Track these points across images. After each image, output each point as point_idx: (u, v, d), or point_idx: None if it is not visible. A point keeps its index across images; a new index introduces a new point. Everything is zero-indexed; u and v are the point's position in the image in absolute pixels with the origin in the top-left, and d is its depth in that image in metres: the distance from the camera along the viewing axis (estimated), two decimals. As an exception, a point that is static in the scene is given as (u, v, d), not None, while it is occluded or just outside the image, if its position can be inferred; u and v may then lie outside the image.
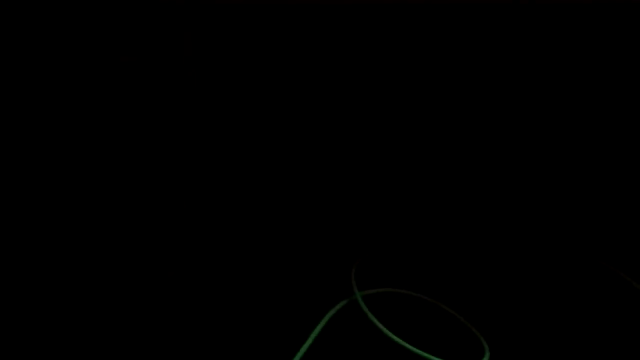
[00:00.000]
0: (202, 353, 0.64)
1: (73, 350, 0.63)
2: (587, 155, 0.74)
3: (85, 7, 0.67)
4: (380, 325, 0.63)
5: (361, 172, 0.75)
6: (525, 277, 0.71)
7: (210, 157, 0.73)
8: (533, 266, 0.72)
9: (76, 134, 0.72)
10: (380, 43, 0.71)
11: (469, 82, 0.72)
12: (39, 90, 0.70)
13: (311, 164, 0.74)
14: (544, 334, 0.65)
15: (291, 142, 0.74)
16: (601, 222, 0.75)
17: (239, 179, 0.75)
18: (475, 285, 0.70)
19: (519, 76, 0.72)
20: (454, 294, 0.68)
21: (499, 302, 0.68)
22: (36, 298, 0.69)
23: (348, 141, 0.74)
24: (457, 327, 0.66)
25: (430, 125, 0.74)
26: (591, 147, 0.74)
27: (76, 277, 0.71)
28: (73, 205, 0.73)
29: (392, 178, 0.75)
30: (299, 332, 0.64)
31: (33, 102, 0.70)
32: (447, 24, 0.71)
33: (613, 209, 0.75)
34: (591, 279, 0.70)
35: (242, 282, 0.71)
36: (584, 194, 0.75)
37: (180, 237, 0.74)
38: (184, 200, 0.73)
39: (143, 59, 0.68)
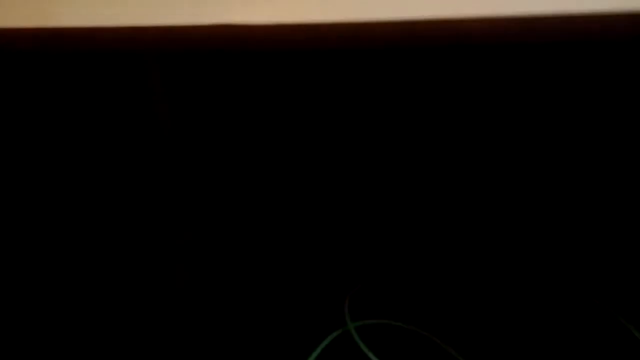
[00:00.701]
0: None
1: (73, 350, 0.64)
2: (588, 192, 0.75)
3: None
4: (373, 357, 0.64)
5: (358, 203, 0.76)
6: (522, 312, 0.71)
7: (192, 196, 0.74)
8: (530, 302, 0.72)
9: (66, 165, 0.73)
10: (377, 54, 0.72)
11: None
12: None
13: (306, 192, 0.75)
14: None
15: (285, 166, 0.75)
16: (606, 264, 0.75)
17: (238, 205, 0.76)
18: (469, 319, 0.70)
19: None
20: (448, 327, 0.69)
21: (492, 337, 0.68)
22: (36, 298, 0.69)
23: (345, 169, 0.75)
24: (449, 361, 0.66)
25: (424, 152, 0.75)
26: (592, 176, 0.75)
27: (77, 278, 0.71)
28: (69, 212, 0.73)
29: (388, 209, 0.76)
30: (291, 361, 0.64)
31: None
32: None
33: (618, 252, 0.75)
34: (591, 321, 0.70)
35: (235, 311, 0.71)
36: (588, 235, 0.75)
37: (182, 258, 0.74)
38: (184, 230, 0.74)
39: (114, 107, 0.70)
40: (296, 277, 0.74)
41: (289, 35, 0.47)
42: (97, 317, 0.68)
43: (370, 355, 0.64)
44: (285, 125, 0.74)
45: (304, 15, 0.44)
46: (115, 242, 0.74)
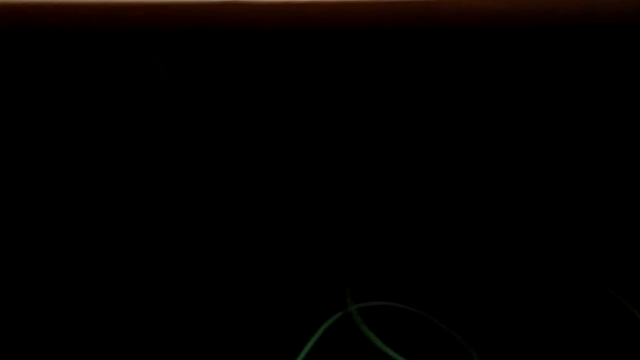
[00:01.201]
0: (196, 364, 0.64)
1: (73, 351, 0.63)
2: (586, 174, 0.75)
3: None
4: (374, 338, 0.64)
5: (357, 185, 0.75)
6: (521, 293, 0.71)
7: (196, 183, 0.74)
8: (530, 283, 0.72)
9: (58, 153, 0.72)
10: (379, 50, 0.72)
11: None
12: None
13: (307, 176, 0.75)
14: (536, 350, 0.65)
15: (286, 152, 0.74)
16: (601, 240, 0.75)
17: (234, 192, 0.75)
18: (470, 300, 0.70)
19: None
20: (449, 308, 0.69)
21: (494, 318, 0.68)
22: (37, 298, 0.68)
23: (344, 153, 0.75)
24: (450, 342, 0.66)
25: (426, 136, 0.74)
26: (591, 162, 0.75)
27: (76, 278, 0.70)
28: (63, 207, 0.72)
29: (389, 192, 0.76)
30: (292, 344, 0.64)
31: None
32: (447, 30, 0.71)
33: (614, 229, 0.75)
34: (587, 298, 0.71)
35: (235, 293, 0.71)
36: (583, 211, 0.76)
37: (179, 248, 0.73)
38: (180, 217, 0.73)
39: (115, 87, 0.69)
40: (297, 260, 0.74)
41: (300, 14, 0.46)
42: (89, 313, 0.67)
43: (372, 337, 0.64)
44: (288, 110, 0.73)
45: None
46: (109, 236, 0.73)
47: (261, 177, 0.75)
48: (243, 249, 0.75)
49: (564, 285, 0.72)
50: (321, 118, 0.74)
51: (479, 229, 0.76)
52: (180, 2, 0.46)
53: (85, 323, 0.66)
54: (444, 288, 0.72)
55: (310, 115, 0.73)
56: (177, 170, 0.73)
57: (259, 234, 0.75)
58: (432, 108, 0.74)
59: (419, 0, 0.44)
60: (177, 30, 0.55)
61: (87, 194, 0.73)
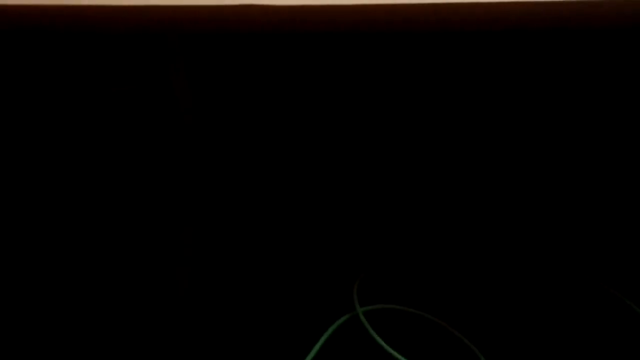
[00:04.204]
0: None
1: (73, 351, 0.63)
2: (592, 173, 0.75)
3: (80, 43, 0.69)
4: (381, 341, 0.64)
5: (365, 189, 0.76)
6: (528, 296, 0.71)
7: (208, 181, 0.74)
8: (536, 285, 0.73)
9: (73, 154, 0.72)
10: (379, 52, 0.73)
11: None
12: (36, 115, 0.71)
13: (315, 178, 0.75)
14: (541, 352, 0.66)
15: (294, 154, 0.75)
16: (605, 244, 0.75)
17: (244, 195, 0.76)
18: (477, 303, 0.71)
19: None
20: (455, 311, 0.69)
21: (500, 321, 0.69)
22: (37, 298, 0.69)
23: (351, 160, 0.76)
24: (457, 345, 0.67)
25: (433, 143, 0.75)
26: (597, 163, 0.75)
27: (78, 278, 0.71)
28: (74, 208, 0.73)
29: (395, 196, 0.76)
30: (300, 345, 0.64)
31: (29, 125, 0.72)
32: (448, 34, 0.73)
33: (616, 230, 0.75)
34: (591, 299, 0.71)
35: (244, 295, 0.71)
36: (588, 214, 0.76)
37: (189, 251, 0.74)
38: (186, 220, 0.74)
39: (134, 88, 0.70)
40: (305, 263, 0.75)
41: (314, 17, 0.48)
42: (96, 315, 0.67)
43: (378, 339, 0.64)
44: (303, 115, 0.74)
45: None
46: (116, 239, 0.73)
47: (272, 182, 0.76)
48: (253, 252, 0.75)
49: (568, 285, 0.72)
50: (335, 125, 0.75)
51: (485, 232, 0.76)
52: (197, 4, 0.48)
53: (88, 323, 0.66)
54: (450, 291, 0.72)
55: (325, 122, 0.74)
56: (189, 170, 0.74)
57: (269, 237, 0.76)
58: (436, 112, 0.75)
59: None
60: (196, 33, 0.57)
61: (98, 195, 0.73)
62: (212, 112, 0.74)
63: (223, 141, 0.75)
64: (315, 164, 0.76)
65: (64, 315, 0.68)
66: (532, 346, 0.66)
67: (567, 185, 0.76)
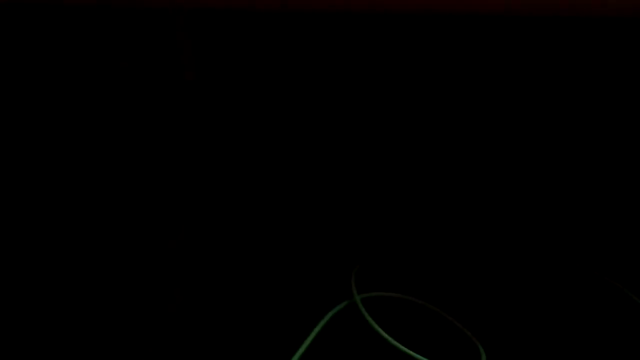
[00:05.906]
0: (201, 353, 0.64)
1: (73, 351, 0.62)
2: (591, 163, 0.75)
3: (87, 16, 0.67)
4: (378, 328, 0.64)
5: (364, 175, 0.75)
6: (526, 285, 0.72)
7: (210, 161, 0.73)
8: (535, 275, 0.73)
9: (76, 136, 0.71)
10: (380, 47, 0.72)
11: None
12: (40, 93, 0.69)
13: (313, 167, 0.75)
14: (540, 341, 0.66)
15: (293, 144, 0.74)
16: (604, 234, 0.76)
17: (240, 182, 0.75)
18: (475, 291, 0.71)
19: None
20: (454, 299, 0.69)
21: (498, 309, 0.69)
22: (37, 298, 0.68)
23: (350, 145, 0.75)
24: (455, 333, 0.66)
25: (431, 129, 0.75)
26: (596, 154, 0.75)
27: (76, 278, 0.70)
28: (72, 207, 0.71)
29: (395, 183, 0.76)
30: (297, 332, 0.64)
31: (33, 104, 0.70)
32: (447, 29, 0.72)
33: (617, 221, 0.76)
34: (592, 290, 0.71)
35: (241, 282, 0.71)
36: (588, 203, 0.76)
37: (182, 240, 0.73)
38: (184, 204, 0.73)
39: (142, 63, 0.68)
40: (304, 250, 0.74)
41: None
42: (88, 315, 0.66)
43: (375, 326, 0.64)
44: (300, 107, 0.73)
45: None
46: (110, 239, 0.72)
47: (271, 170, 0.75)
48: (250, 241, 0.74)
49: (569, 275, 0.73)
50: (334, 113, 0.74)
51: (485, 223, 0.76)
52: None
53: (86, 324, 0.65)
54: (451, 280, 0.72)
55: (322, 111, 0.73)
56: (184, 159, 0.73)
57: (267, 222, 0.75)
58: (437, 106, 0.74)
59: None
60: (201, 8, 0.55)
61: (87, 197, 0.72)
62: (217, 92, 0.72)
63: (223, 126, 0.73)
64: (314, 152, 0.75)
65: (62, 315, 0.66)
66: (532, 336, 0.66)
67: (568, 175, 0.76)
